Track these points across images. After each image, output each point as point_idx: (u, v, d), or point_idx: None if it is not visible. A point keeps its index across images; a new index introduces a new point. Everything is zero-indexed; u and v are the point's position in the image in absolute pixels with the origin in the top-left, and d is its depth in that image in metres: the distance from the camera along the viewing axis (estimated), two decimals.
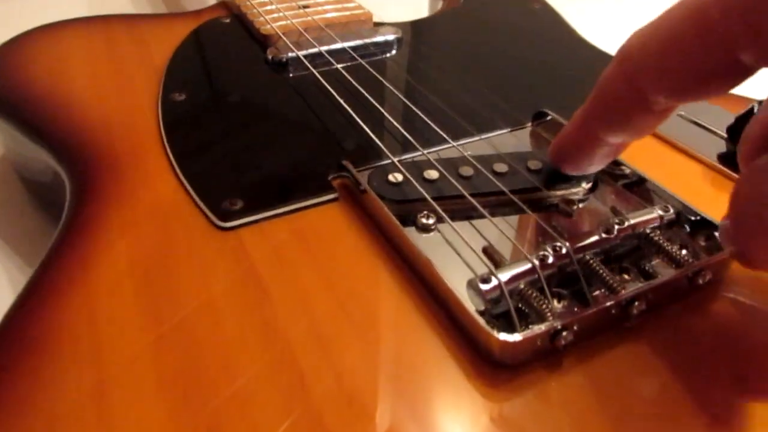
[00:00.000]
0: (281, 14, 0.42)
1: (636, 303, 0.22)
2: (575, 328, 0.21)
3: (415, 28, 0.44)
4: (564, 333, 0.20)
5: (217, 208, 0.26)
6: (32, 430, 0.18)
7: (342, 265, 0.24)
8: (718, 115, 0.33)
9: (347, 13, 0.43)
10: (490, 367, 0.21)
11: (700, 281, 0.23)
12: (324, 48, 0.38)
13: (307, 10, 0.43)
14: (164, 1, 0.67)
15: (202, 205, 0.26)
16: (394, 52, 0.41)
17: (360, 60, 0.38)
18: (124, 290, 0.23)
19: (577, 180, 0.28)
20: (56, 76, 0.38)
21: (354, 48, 0.39)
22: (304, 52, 0.38)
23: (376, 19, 0.44)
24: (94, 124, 0.33)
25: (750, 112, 0.30)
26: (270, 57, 0.38)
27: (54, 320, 0.22)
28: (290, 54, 0.38)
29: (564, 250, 0.23)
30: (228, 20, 0.44)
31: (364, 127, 0.31)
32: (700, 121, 0.33)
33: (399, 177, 0.27)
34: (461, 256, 0.24)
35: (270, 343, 0.21)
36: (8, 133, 0.36)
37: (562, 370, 0.21)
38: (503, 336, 0.20)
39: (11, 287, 0.33)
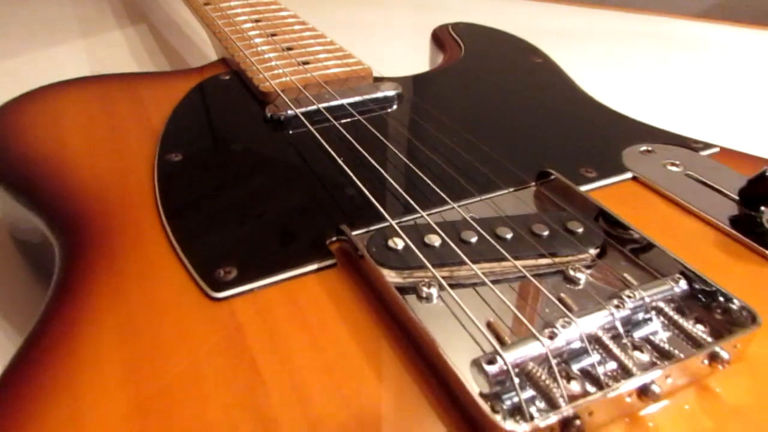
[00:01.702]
0: (280, 71, 0.41)
1: (655, 386, 0.20)
2: (590, 414, 0.20)
3: (416, 83, 0.44)
4: (577, 422, 0.19)
5: (210, 277, 0.25)
6: None
7: (340, 340, 0.23)
8: (727, 175, 0.32)
9: (347, 69, 0.42)
10: None
11: (719, 360, 0.22)
12: (323, 105, 0.38)
13: (306, 66, 0.42)
14: (166, 57, 0.68)
15: (194, 273, 0.25)
16: (394, 107, 0.40)
17: (358, 117, 0.37)
18: (110, 369, 0.22)
19: (584, 245, 0.27)
20: (50, 138, 0.37)
21: (353, 105, 0.39)
22: (303, 110, 0.38)
23: (375, 74, 0.43)
24: (85, 188, 0.32)
25: (762, 176, 0.29)
26: (269, 115, 0.38)
27: (37, 396, 0.20)
28: (289, 112, 0.37)
29: (573, 326, 0.22)
30: (227, 77, 0.44)
31: (362, 187, 0.30)
32: (709, 182, 0.32)
33: (399, 242, 0.26)
34: (465, 329, 0.23)
35: (261, 425, 0.20)
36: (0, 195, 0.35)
37: None
38: (510, 425, 0.19)
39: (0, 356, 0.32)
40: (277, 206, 0.30)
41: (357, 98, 0.39)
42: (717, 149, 0.36)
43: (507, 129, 0.38)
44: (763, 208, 0.29)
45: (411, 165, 0.32)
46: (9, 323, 0.33)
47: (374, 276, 0.25)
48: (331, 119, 0.37)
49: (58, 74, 0.44)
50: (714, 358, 0.21)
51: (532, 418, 0.19)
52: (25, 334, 0.23)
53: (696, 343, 0.22)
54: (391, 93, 0.40)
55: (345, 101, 0.39)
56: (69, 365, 0.22)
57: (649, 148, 0.36)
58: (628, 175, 0.33)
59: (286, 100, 0.38)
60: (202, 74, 0.44)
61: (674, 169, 0.34)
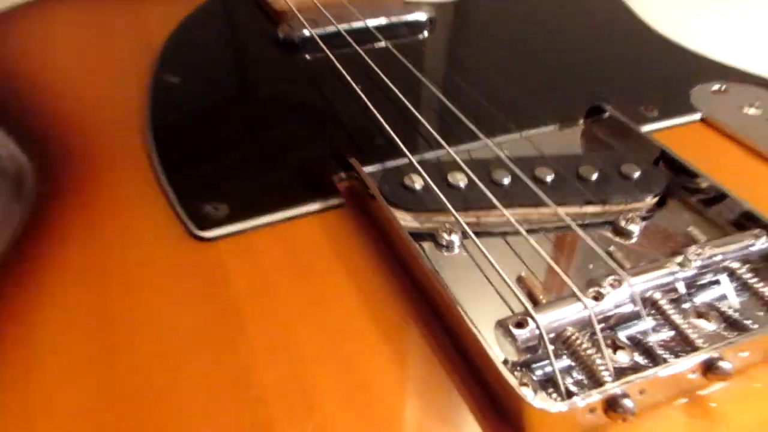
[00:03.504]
0: None
1: (723, 362, 0.16)
2: (641, 392, 0.16)
3: (452, 8, 0.39)
4: (626, 401, 0.15)
5: (197, 213, 0.22)
6: None
7: (340, 294, 0.19)
8: None
9: None
10: None
11: None
12: (343, 27, 0.34)
13: None
14: None
15: (178, 208, 0.22)
16: (425, 34, 0.36)
17: (384, 41, 0.33)
18: (73, 306, 0.19)
19: (640, 192, 0.22)
20: (35, 55, 0.34)
21: (379, 28, 0.34)
22: (320, 31, 0.33)
23: None
24: (66, 108, 0.29)
25: None
26: (281, 36, 0.34)
27: None
28: (305, 32, 0.33)
29: (624, 286, 0.18)
30: None
31: (380, 119, 0.26)
32: None
33: (418, 181, 0.22)
34: (492, 284, 0.19)
35: (241, 391, 0.16)
36: None
37: None
38: (540, 403, 0.15)
39: None
40: (281, 137, 0.26)
41: (384, 20, 0.35)
42: None
43: (556, 60, 0.33)
44: None
45: (440, 96, 0.28)
46: None
47: (386, 219, 0.21)
48: (353, 43, 0.32)
49: None
50: None
51: (569, 394, 0.16)
52: None
53: None
54: (423, 17, 0.36)
55: (370, 23, 0.34)
56: (30, 314, 0.19)
57: (723, 88, 0.30)
58: (697, 116, 0.28)
59: (302, 19, 0.34)
60: None
61: (752, 111, 0.28)
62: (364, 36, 0.33)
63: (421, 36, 0.35)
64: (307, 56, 0.33)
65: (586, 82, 0.31)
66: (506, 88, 0.30)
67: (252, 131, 0.27)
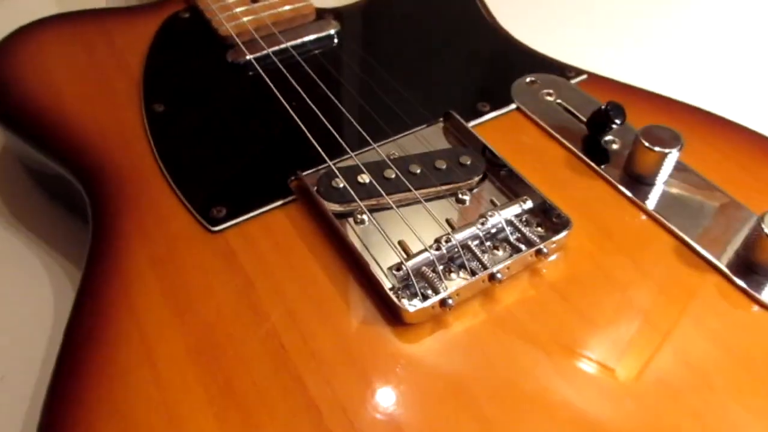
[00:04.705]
0: (234, 12, 0.48)
1: (499, 274, 0.33)
2: (458, 295, 0.32)
3: (353, 15, 0.51)
4: (450, 301, 0.32)
5: (208, 216, 0.36)
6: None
7: (304, 257, 0.34)
8: (586, 102, 0.43)
9: (290, 6, 0.49)
10: (401, 323, 0.32)
11: (546, 251, 0.34)
12: (272, 50, 0.46)
13: (255, 5, 0.49)
14: None
15: (196, 214, 0.36)
16: (333, 45, 0.48)
17: (299, 60, 0.45)
18: (149, 287, 0.33)
19: (470, 175, 0.38)
20: (45, 87, 0.45)
21: (296, 47, 0.47)
22: (257, 55, 0.45)
23: (319, 4, 0.50)
24: (91, 140, 0.41)
25: (600, 110, 0.40)
26: (230, 60, 0.45)
27: (105, 316, 0.32)
28: (247, 57, 0.45)
29: (452, 240, 0.33)
30: (187, 15, 0.50)
31: (306, 132, 0.40)
32: (572, 109, 0.43)
33: (340, 182, 0.37)
34: (388, 243, 0.35)
35: (257, 317, 0.32)
36: (11, 138, 0.43)
37: (449, 322, 0.32)
38: (406, 305, 0.31)
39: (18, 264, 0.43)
40: (248, 149, 0.40)
41: (299, 40, 0.47)
42: (585, 76, 0.46)
43: (423, 66, 0.47)
44: (608, 137, 0.40)
45: (341, 107, 0.42)
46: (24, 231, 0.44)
47: (321, 208, 0.36)
48: (278, 63, 0.45)
49: (28, 12, 0.49)
50: (539, 252, 0.34)
51: (424, 299, 0.32)
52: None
53: (529, 244, 0.34)
54: (331, 32, 0.48)
55: (289, 44, 0.46)
56: (126, 299, 0.33)
57: (533, 79, 0.45)
58: (513, 106, 0.43)
59: (242, 46, 0.46)
60: (161, 11, 0.50)
61: (549, 98, 0.44)
62: (286, 55, 0.46)
63: (328, 48, 0.48)
64: (254, 76, 0.45)
65: (445, 85, 0.45)
66: (387, 96, 0.43)
67: (229, 144, 0.40)
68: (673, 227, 0.35)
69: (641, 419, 0.28)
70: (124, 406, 0.28)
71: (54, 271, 0.42)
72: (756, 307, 0.32)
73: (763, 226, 0.32)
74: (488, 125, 0.42)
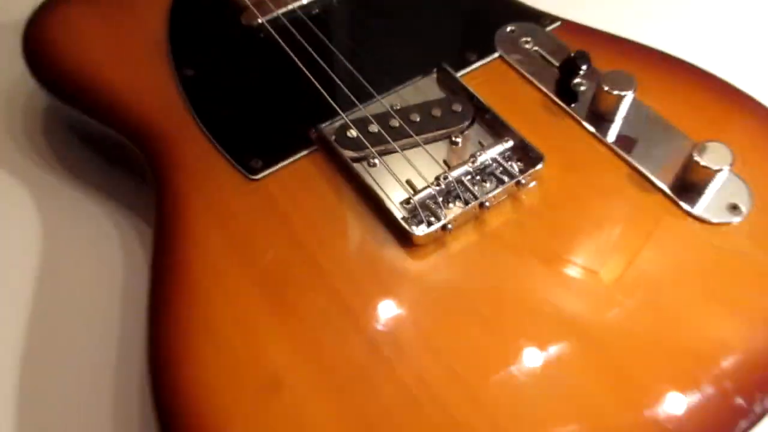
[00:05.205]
0: None
1: (487, 202, 0.41)
2: (455, 220, 0.40)
3: None
4: (449, 226, 0.40)
5: (248, 167, 0.43)
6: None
7: (328, 197, 0.42)
8: (560, 49, 0.49)
9: None
10: (411, 245, 0.40)
11: (524, 182, 0.42)
12: (281, 11, 0.51)
13: None
14: None
15: (239, 167, 0.43)
16: (334, 2, 0.54)
17: (306, 19, 0.51)
18: (208, 229, 0.41)
19: (461, 120, 0.45)
20: (80, 54, 0.50)
21: (302, 7, 0.52)
22: (268, 17, 0.51)
23: None
24: (132, 106, 0.47)
25: (570, 57, 0.46)
26: (243, 23, 0.51)
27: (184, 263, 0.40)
28: (259, 20, 0.51)
29: (449, 177, 0.41)
30: None
31: (320, 87, 0.47)
32: (547, 56, 0.49)
33: (353, 132, 0.44)
34: (397, 181, 0.42)
35: (297, 249, 0.40)
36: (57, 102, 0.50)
37: (449, 241, 0.41)
38: (415, 230, 0.40)
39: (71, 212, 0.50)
40: (273, 107, 0.47)
41: (305, 0, 0.52)
42: (559, 23, 0.52)
43: (416, 20, 0.53)
44: (577, 81, 0.48)
45: (348, 64, 0.48)
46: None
47: (340, 155, 0.43)
48: (288, 25, 0.51)
49: None
50: (519, 183, 0.42)
51: (429, 225, 0.40)
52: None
53: (511, 176, 0.42)
54: None
55: (295, 5, 0.52)
56: (192, 239, 0.41)
57: (513, 28, 0.51)
58: (496, 54, 0.50)
59: (253, 8, 0.51)
60: None
61: (527, 46, 0.50)
62: (294, 15, 0.51)
63: (330, 7, 0.53)
64: (268, 37, 0.51)
65: (440, 38, 0.51)
66: (383, 49, 0.50)
67: (259, 101, 0.47)
68: (627, 157, 0.43)
69: (608, 312, 0.37)
70: (206, 321, 0.37)
71: (117, 221, 0.50)
72: (690, 219, 0.41)
73: (694, 152, 0.40)
74: (475, 74, 0.48)
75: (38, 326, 0.45)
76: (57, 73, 0.50)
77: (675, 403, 0.33)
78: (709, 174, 0.40)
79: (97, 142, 0.52)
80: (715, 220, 0.40)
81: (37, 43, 0.52)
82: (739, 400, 0.34)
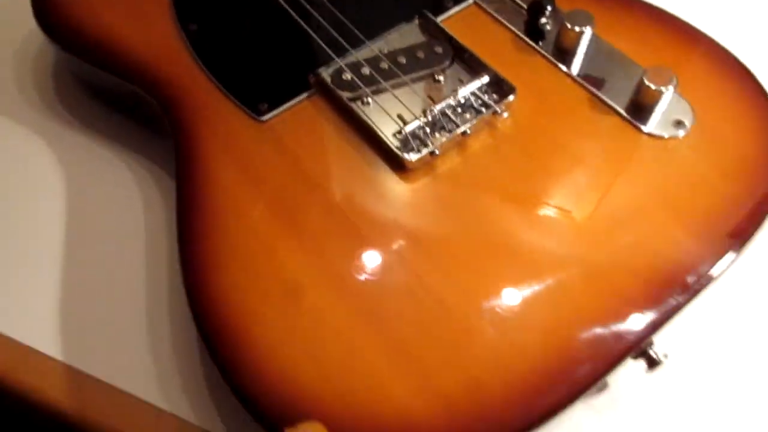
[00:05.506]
0: None
1: (468, 131, 0.47)
2: (441, 146, 0.47)
3: None
4: (436, 152, 0.46)
5: (257, 110, 0.49)
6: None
7: (329, 133, 0.48)
8: None
9: None
10: (404, 170, 0.46)
11: (499, 111, 0.48)
12: None
13: None
14: None
15: (248, 111, 0.49)
16: None
17: None
18: (231, 170, 0.47)
19: (442, 60, 0.51)
20: (92, 17, 0.55)
21: None
22: None
23: None
24: (143, 59, 0.52)
25: (536, 0, 0.52)
26: None
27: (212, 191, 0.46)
28: None
29: (434, 110, 0.47)
30: None
31: (315, 37, 0.52)
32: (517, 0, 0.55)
33: (348, 75, 0.50)
34: (389, 116, 0.48)
35: (304, 179, 0.46)
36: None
37: (437, 165, 0.47)
38: (407, 156, 0.46)
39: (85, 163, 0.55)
40: (274, 55, 0.52)
41: None
42: None
43: None
44: (543, 20, 0.53)
45: (338, 14, 0.53)
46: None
47: (337, 96, 0.49)
48: None
49: None
50: (494, 112, 0.48)
51: (419, 152, 0.46)
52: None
53: (488, 107, 0.48)
54: None
55: None
56: (212, 173, 0.47)
57: None
58: (471, 1, 0.55)
59: None
60: None
61: None
62: None
63: None
64: None
65: None
66: (374, 0, 0.55)
67: (258, 52, 0.52)
68: (588, 86, 0.50)
69: (577, 217, 0.44)
70: (230, 241, 0.43)
71: (130, 164, 0.55)
72: (643, 136, 0.48)
73: (644, 76, 0.47)
74: (453, 19, 0.54)
75: (74, 261, 0.50)
76: (66, 29, 0.54)
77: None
78: (657, 95, 0.46)
79: (107, 93, 0.57)
80: (665, 135, 0.47)
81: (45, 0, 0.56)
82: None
